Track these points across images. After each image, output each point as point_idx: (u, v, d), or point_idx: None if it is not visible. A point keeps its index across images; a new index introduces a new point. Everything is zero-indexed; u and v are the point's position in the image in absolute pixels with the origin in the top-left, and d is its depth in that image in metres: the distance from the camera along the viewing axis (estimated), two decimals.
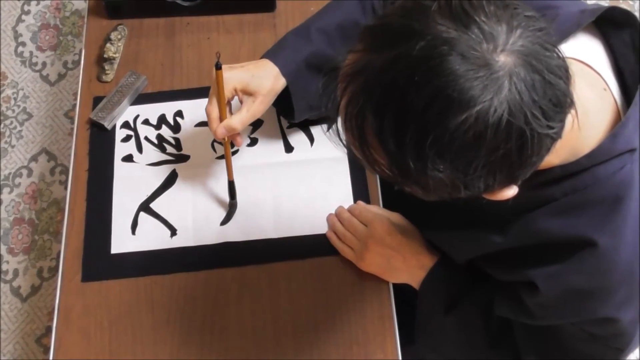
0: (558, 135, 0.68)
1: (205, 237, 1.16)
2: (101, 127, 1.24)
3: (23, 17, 2.30)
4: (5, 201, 2.03)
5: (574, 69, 0.68)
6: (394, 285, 1.13)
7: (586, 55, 0.84)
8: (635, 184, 0.80)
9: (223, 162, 1.21)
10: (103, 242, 1.16)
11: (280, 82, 1.07)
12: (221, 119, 1.05)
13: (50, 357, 1.09)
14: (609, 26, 0.87)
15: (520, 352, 1.01)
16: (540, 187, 0.81)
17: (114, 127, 1.25)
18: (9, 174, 2.07)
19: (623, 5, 2.19)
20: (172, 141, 1.24)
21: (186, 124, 1.25)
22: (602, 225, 0.80)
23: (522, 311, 0.92)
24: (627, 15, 0.86)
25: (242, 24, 1.35)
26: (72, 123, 2.03)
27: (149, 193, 1.20)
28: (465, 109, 0.61)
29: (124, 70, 1.30)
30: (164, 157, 1.23)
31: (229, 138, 1.08)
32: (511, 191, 0.71)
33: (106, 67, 1.30)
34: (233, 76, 1.04)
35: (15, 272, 1.94)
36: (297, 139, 1.24)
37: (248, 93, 1.06)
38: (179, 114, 1.26)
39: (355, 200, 1.18)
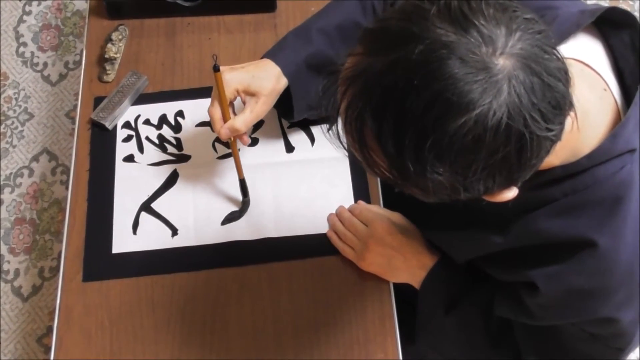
0: (557, 137, 0.68)
1: (206, 237, 1.16)
2: (102, 127, 1.24)
3: (24, 17, 2.30)
4: (6, 201, 2.03)
5: (574, 69, 0.68)
6: (395, 284, 1.13)
7: (586, 56, 0.84)
8: (635, 184, 0.80)
9: (224, 162, 1.21)
10: (104, 242, 1.16)
11: (282, 82, 1.07)
12: (224, 119, 1.05)
13: (51, 357, 1.10)
14: (608, 26, 0.87)
15: (521, 352, 1.01)
16: (541, 188, 0.81)
17: (115, 127, 1.25)
18: (10, 174, 2.07)
19: (623, 6, 2.18)
20: (173, 141, 1.24)
21: (187, 124, 1.26)
22: (602, 226, 0.80)
23: (522, 311, 0.93)
24: (626, 15, 0.86)
25: (242, 24, 1.35)
26: (73, 123, 2.03)
27: (150, 193, 1.20)
28: (465, 113, 0.61)
29: (125, 70, 1.30)
30: (165, 157, 1.23)
31: (235, 138, 1.09)
32: (511, 193, 0.71)
33: (107, 67, 1.30)
34: (234, 77, 1.04)
35: (17, 272, 1.95)
36: (298, 139, 1.24)
37: (250, 94, 1.06)
38: (180, 114, 1.26)
39: (355, 200, 1.18)
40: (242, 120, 1.05)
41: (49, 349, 1.15)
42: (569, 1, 0.91)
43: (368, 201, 1.18)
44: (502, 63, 0.62)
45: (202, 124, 1.25)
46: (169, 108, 1.27)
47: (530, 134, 0.64)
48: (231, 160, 1.21)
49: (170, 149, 1.24)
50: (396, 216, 1.12)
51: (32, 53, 2.25)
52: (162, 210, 1.18)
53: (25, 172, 2.07)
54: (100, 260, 1.15)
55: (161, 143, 1.24)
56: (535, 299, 0.88)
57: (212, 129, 1.08)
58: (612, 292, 0.84)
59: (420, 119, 0.63)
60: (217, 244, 1.16)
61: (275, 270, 1.14)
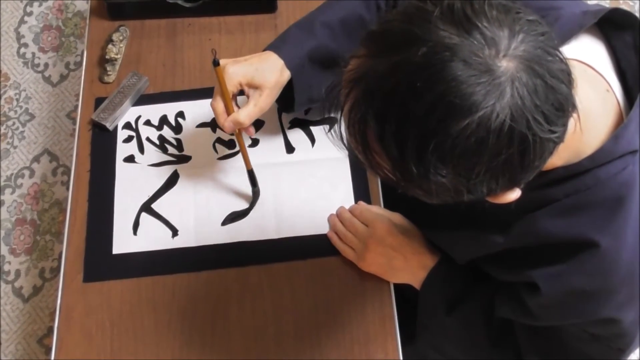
0: (560, 139, 0.68)
1: (207, 238, 1.16)
2: (103, 128, 1.24)
3: (25, 18, 2.30)
4: (7, 202, 2.03)
5: (577, 70, 0.68)
6: (395, 285, 1.13)
7: (588, 57, 0.84)
8: (637, 185, 0.80)
9: (225, 162, 1.21)
10: (105, 243, 1.16)
11: (285, 75, 1.07)
12: (227, 113, 1.05)
13: (52, 358, 1.10)
14: (610, 27, 0.87)
15: (522, 352, 1.01)
16: (543, 188, 0.81)
17: (115, 128, 1.25)
18: (11, 174, 2.07)
19: (623, 6, 2.18)
20: (174, 142, 1.24)
21: (188, 124, 1.26)
22: (603, 227, 0.80)
23: (523, 312, 0.93)
24: (628, 16, 0.86)
25: (243, 24, 1.35)
26: (74, 124, 2.02)
27: (151, 193, 1.20)
28: (468, 115, 0.61)
29: (125, 71, 1.30)
30: (166, 157, 1.23)
31: (240, 130, 1.08)
32: (514, 194, 0.71)
33: (108, 68, 1.30)
34: (237, 70, 1.04)
35: (17, 273, 1.95)
36: (298, 139, 1.24)
37: (253, 86, 1.05)
38: (181, 114, 1.26)
39: (356, 201, 1.18)
40: (246, 113, 1.04)
41: (50, 349, 1.15)
42: (572, 2, 0.91)
43: (368, 202, 1.18)
44: (505, 65, 0.62)
45: (203, 124, 1.25)
46: (169, 109, 1.27)
47: (533, 136, 0.64)
48: (232, 160, 1.21)
49: (171, 149, 1.24)
50: (396, 216, 1.12)
51: (33, 54, 2.25)
52: (163, 211, 1.18)
53: (26, 172, 2.07)
54: (100, 261, 1.15)
55: (162, 144, 1.24)
56: (536, 300, 0.88)
57: (212, 130, 1.08)
58: (613, 292, 0.84)
59: (423, 121, 0.63)
60: (218, 244, 1.15)
61: (275, 270, 1.14)
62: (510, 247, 0.88)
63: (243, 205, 1.18)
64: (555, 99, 0.64)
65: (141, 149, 1.24)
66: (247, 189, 1.18)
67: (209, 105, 1.06)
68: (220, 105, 1.04)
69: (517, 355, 1.02)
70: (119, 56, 1.31)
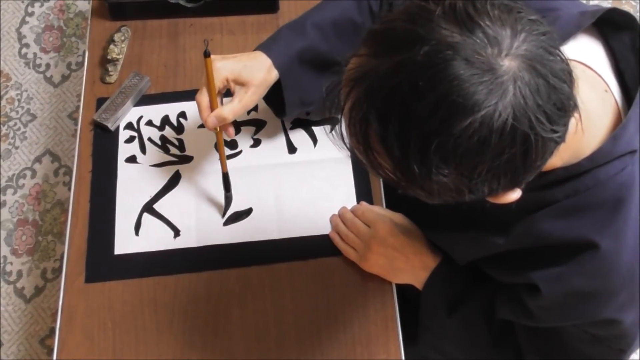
0: (562, 139, 0.68)
1: (209, 238, 1.16)
2: (105, 128, 1.24)
3: (27, 18, 2.30)
4: (9, 202, 2.04)
5: (576, 71, 0.68)
6: (397, 285, 1.13)
7: (587, 57, 0.84)
8: (636, 186, 0.80)
9: (227, 162, 1.21)
10: (106, 243, 1.16)
11: (273, 75, 1.07)
12: (212, 108, 1.04)
13: (54, 358, 1.10)
14: (608, 28, 0.87)
15: (523, 352, 1.01)
16: (542, 189, 0.81)
17: (117, 128, 1.25)
18: (13, 175, 2.07)
19: (625, 6, 2.18)
20: (176, 142, 1.24)
21: (189, 125, 1.26)
22: (603, 228, 0.80)
23: (524, 313, 0.93)
24: (626, 17, 0.86)
25: (245, 25, 1.35)
26: (76, 124, 2.03)
27: (153, 194, 1.20)
28: (470, 114, 0.61)
29: (127, 71, 1.30)
30: (167, 158, 1.23)
31: (221, 129, 1.08)
32: (515, 195, 0.71)
33: (109, 69, 1.30)
34: (225, 66, 1.03)
35: (19, 274, 1.95)
36: (300, 139, 1.24)
37: (240, 83, 1.05)
38: (182, 115, 1.27)
39: (358, 201, 1.18)
40: (230, 109, 1.04)
41: (52, 350, 1.15)
42: (570, 2, 0.91)
43: (370, 202, 1.18)
44: (508, 64, 0.62)
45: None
46: (171, 109, 1.27)
47: (536, 135, 0.63)
48: (234, 161, 1.21)
49: (173, 150, 1.24)
50: (398, 217, 1.12)
51: (35, 54, 2.25)
52: (165, 212, 1.18)
53: (28, 173, 2.07)
54: (102, 262, 1.15)
55: (163, 144, 1.24)
56: (536, 301, 0.88)
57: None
58: (613, 293, 0.84)
59: (426, 121, 0.63)
60: (220, 245, 1.16)
61: (277, 271, 1.14)
62: (511, 249, 0.88)
63: (245, 205, 1.18)
64: (557, 98, 0.64)
65: (143, 149, 1.24)
66: (248, 189, 1.18)
67: None
68: (205, 99, 1.04)
69: (518, 356, 1.02)
70: (120, 56, 1.31)
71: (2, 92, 2.18)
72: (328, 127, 1.24)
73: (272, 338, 1.10)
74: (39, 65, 2.23)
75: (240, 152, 1.22)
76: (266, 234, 1.16)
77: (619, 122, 0.81)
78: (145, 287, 1.13)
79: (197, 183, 1.21)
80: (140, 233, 1.17)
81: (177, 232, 1.17)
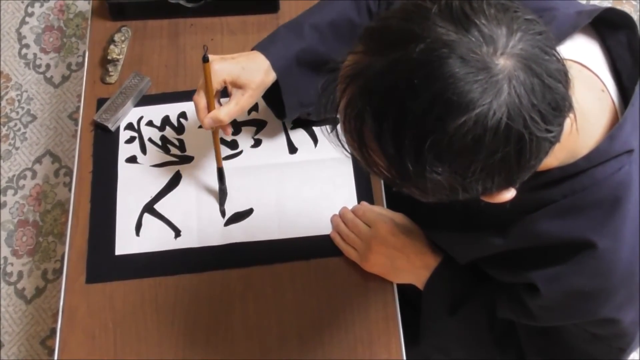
0: (557, 139, 0.68)
1: (210, 238, 1.16)
2: (105, 129, 1.24)
3: (27, 19, 2.30)
4: (9, 203, 2.03)
5: (572, 70, 0.68)
6: (398, 285, 1.13)
7: (583, 57, 0.84)
8: (634, 185, 0.80)
9: (227, 163, 1.21)
10: (107, 244, 1.16)
11: (271, 76, 1.07)
12: (209, 109, 1.05)
13: (55, 359, 1.10)
14: (605, 27, 0.87)
15: (524, 352, 1.01)
16: (539, 189, 0.81)
17: (117, 129, 1.25)
18: (13, 176, 2.07)
19: (626, 6, 2.18)
20: (176, 142, 1.24)
21: (190, 125, 1.26)
22: (601, 227, 0.80)
23: (524, 313, 0.93)
24: (623, 16, 0.85)
25: (245, 25, 1.35)
26: (76, 125, 2.02)
27: (153, 194, 1.20)
28: (465, 112, 0.61)
29: (127, 71, 1.30)
30: (168, 158, 1.23)
31: (217, 127, 1.08)
32: (509, 194, 0.71)
33: (110, 69, 1.30)
34: (223, 68, 1.03)
35: (20, 274, 1.95)
36: (301, 139, 1.24)
37: (237, 86, 1.05)
38: (183, 115, 1.26)
39: (359, 201, 1.18)
40: (227, 112, 1.04)
41: (53, 351, 1.15)
42: (567, 2, 0.91)
43: (371, 202, 1.18)
44: (503, 63, 0.62)
45: None
46: (171, 109, 1.27)
47: (530, 134, 0.63)
48: (234, 161, 1.21)
49: (173, 150, 1.24)
50: (399, 217, 1.12)
51: (35, 55, 2.25)
52: (165, 212, 1.18)
53: (28, 174, 2.07)
54: (103, 262, 1.15)
55: (164, 144, 1.24)
56: (536, 301, 0.88)
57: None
58: (612, 292, 0.84)
59: (421, 119, 0.63)
60: (221, 245, 1.16)
61: (278, 271, 1.14)
62: (509, 249, 0.88)
63: (246, 206, 1.18)
64: (552, 98, 0.64)
65: (143, 149, 1.24)
66: (249, 190, 1.18)
67: None
68: (202, 100, 1.04)
69: (520, 355, 1.02)
70: (120, 57, 1.31)
71: (2, 93, 2.18)
72: (329, 128, 1.24)
73: (273, 338, 1.10)
74: (39, 66, 2.23)
75: (241, 152, 1.22)
76: (267, 234, 1.16)
77: (616, 122, 0.81)
78: (146, 287, 1.13)
79: (198, 183, 1.21)
80: (141, 233, 1.17)
81: (178, 233, 1.17)
